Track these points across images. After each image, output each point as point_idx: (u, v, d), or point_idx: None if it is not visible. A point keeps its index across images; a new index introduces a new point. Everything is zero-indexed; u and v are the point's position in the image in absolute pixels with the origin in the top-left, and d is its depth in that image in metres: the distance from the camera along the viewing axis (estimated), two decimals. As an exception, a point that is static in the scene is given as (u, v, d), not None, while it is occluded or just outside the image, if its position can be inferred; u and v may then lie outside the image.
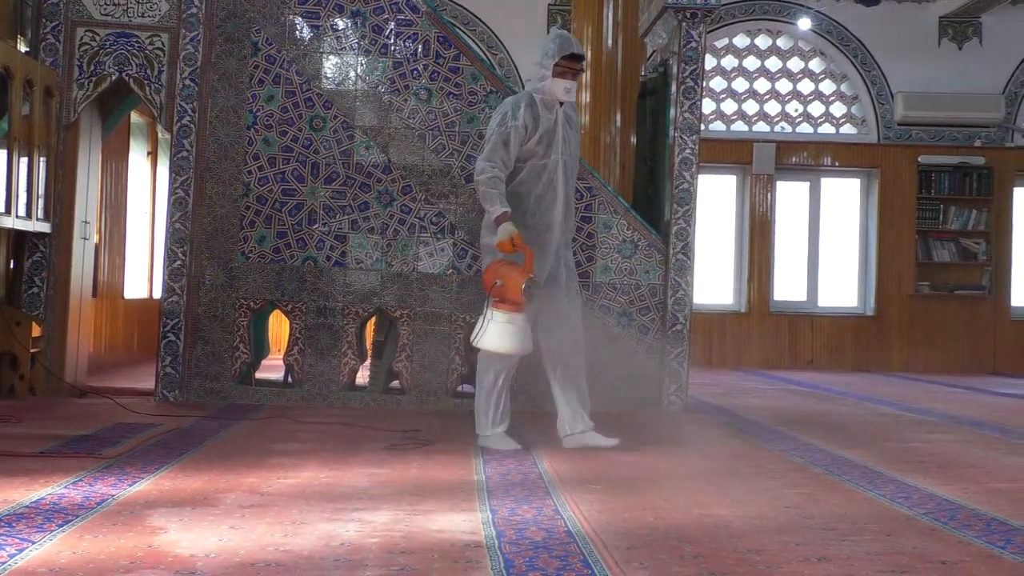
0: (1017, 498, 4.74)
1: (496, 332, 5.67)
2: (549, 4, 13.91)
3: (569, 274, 6.12)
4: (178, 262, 7.48)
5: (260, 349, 7.90)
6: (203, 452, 5.38)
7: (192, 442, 5.67)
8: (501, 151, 5.83)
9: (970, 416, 8.31)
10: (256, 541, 3.51)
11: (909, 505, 4.48)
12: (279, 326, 10.31)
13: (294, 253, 7.54)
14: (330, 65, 7.63)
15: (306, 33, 7.62)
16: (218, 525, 3.72)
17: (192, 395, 7.44)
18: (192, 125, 7.49)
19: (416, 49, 7.66)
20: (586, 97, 10.36)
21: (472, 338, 5.84)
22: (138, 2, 7.53)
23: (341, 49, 7.63)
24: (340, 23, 7.64)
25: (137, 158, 11.10)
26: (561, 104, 5.96)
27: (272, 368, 8.48)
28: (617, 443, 5.83)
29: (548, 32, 13.83)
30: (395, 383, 7.70)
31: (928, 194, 14.10)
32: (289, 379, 7.68)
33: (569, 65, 5.90)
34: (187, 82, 7.49)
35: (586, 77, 10.30)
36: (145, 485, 4.42)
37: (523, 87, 13.48)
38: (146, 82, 7.54)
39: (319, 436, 6.05)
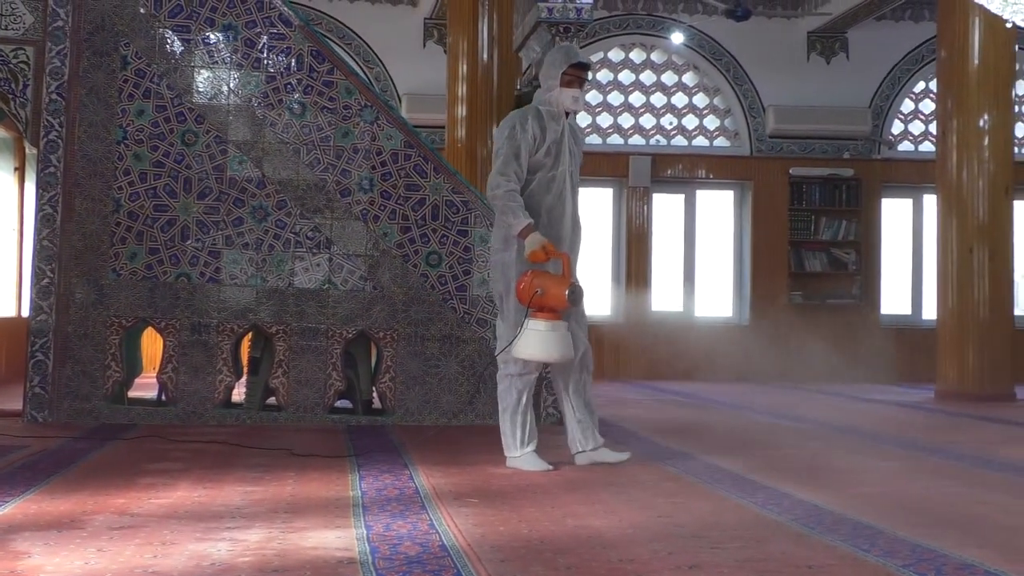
0: (883, 502, 4.86)
1: (540, 341, 5.57)
2: (425, 19, 13.92)
3: None
4: (46, 280, 7.32)
5: (133, 367, 7.77)
6: (72, 473, 5.27)
7: (61, 464, 5.54)
8: (513, 164, 5.74)
9: (841, 423, 8.49)
10: (124, 563, 3.45)
11: (779, 512, 4.56)
12: (153, 344, 10.14)
13: (167, 269, 7.44)
14: (202, 79, 7.54)
15: (177, 47, 7.53)
16: (84, 548, 3.65)
17: (62, 415, 7.29)
18: (60, 140, 7.35)
19: (289, 63, 7.61)
20: (462, 111, 10.41)
21: (512, 350, 5.67)
22: (1, 15, 7.37)
23: (213, 63, 7.55)
24: (211, 37, 7.57)
25: (3, 174, 10.85)
26: (567, 115, 5.94)
27: (146, 387, 8.34)
28: (628, 457, 5.82)
29: (424, 46, 13.88)
30: (272, 400, 7.62)
31: (800, 205, 14.39)
32: (163, 397, 7.57)
33: (576, 74, 5.88)
34: (54, 96, 7.35)
35: (462, 90, 10.35)
36: (9, 509, 4.31)
37: (400, 101, 13.48)
38: (11, 96, 7.38)
39: (193, 455, 5.97)
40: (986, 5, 7.16)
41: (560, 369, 5.85)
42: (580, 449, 5.90)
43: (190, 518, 4.22)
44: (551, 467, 5.68)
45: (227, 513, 4.34)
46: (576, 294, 5.59)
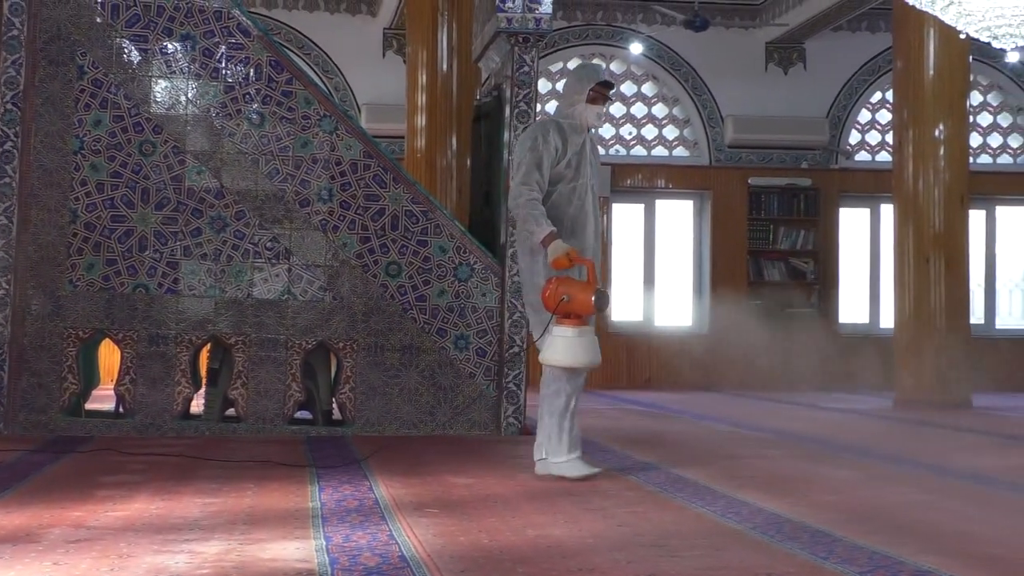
0: (841, 510, 4.88)
1: (567, 347, 5.61)
2: (384, 28, 13.91)
3: None
4: (2, 291, 7.26)
5: (90, 379, 7.70)
6: (28, 487, 5.22)
7: (16, 477, 5.49)
8: (535, 174, 5.79)
9: (800, 431, 8.53)
10: (80, 577, 3.42)
11: (738, 520, 4.58)
12: (110, 355, 10.07)
13: (124, 280, 7.39)
14: (159, 89, 7.50)
15: (134, 56, 7.49)
16: (40, 561, 3.61)
17: (18, 428, 7.22)
18: (15, 151, 7.29)
19: (248, 73, 7.58)
20: (422, 121, 10.41)
21: (539, 357, 5.73)
22: (-44, 24, 7.31)
23: (171, 73, 7.51)
24: (169, 46, 7.53)
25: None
26: (589, 130, 6.02)
27: (103, 399, 8.28)
28: (596, 472, 5.78)
29: (383, 56, 13.86)
30: (231, 411, 7.58)
31: (758, 215, 14.46)
32: (121, 409, 7.51)
33: (601, 91, 5.97)
34: (9, 106, 7.29)
35: (421, 100, 10.35)
36: (-36, 522, 4.27)
37: (360, 111, 13.46)
38: (-34, 106, 7.32)
39: (151, 467, 5.93)
40: (940, 16, 7.23)
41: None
42: (543, 457, 5.90)
43: (147, 530, 4.19)
44: (599, 470, 5.73)
45: (185, 525, 4.31)
46: (602, 300, 5.64)
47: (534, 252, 5.82)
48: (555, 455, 5.78)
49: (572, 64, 14.46)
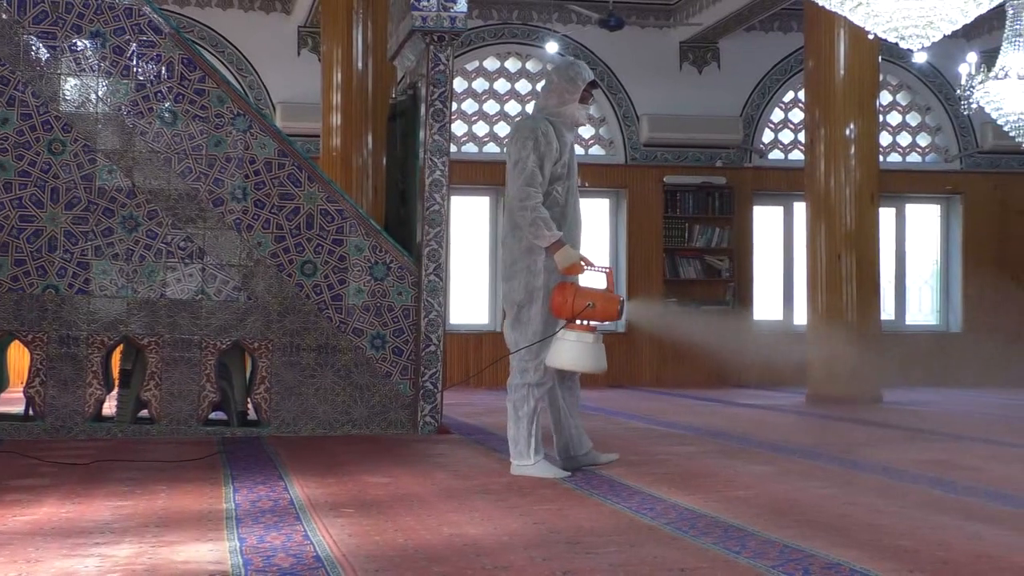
0: (753, 504, 4.94)
1: (588, 352, 5.66)
2: (299, 27, 13.81)
3: None
4: (-93, 293, 7.11)
5: (-1, 382, 7.58)
6: (-66, 492, 5.12)
7: (-78, 482, 5.39)
8: (538, 176, 5.74)
9: (714, 427, 8.61)
10: (-13, 582, 3.37)
11: (653, 516, 4.62)
12: (20, 357, 9.90)
13: (33, 281, 7.27)
14: (69, 87, 7.39)
15: (42, 54, 7.37)
16: (-54, 568, 3.55)
17: (-76, 432, 7.08)
18: (-80, 149, 7.14)
19: (160, 71, 7.49)
20: (337, 119, 10.35)
21: (549, 360, 5.71)
22: None
23: (80, 70, 7.40)
24: (79, 44, 7.42)
25: None
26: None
27: (12, 401, 8.14)
28: (615, 458, 6.00)
29: (298, 54, 13.76)
30: (144, 413, 7.49)
31: (674, 213, 14.56)
32: (31, 412, 7.39)
33: (590, 91, 6.02)
34: (-86, 104, 7.15)
35: (336, 99, 10.30)
36: None
37: (274, 110, 13.36)
38: None
39: (61, 470, 5.84)
40: (849, 17, 7.33)
41: (561, 378, 5.97)
42: (582, 452, 6.03)
43: (57, 534, 4.13)
44: (569, 473, 5.75)
45: (96, 528, 4.25)
46: (624, 309, 5.73)
47: (532, 251, 5.79)
48: (521, 459, 5.81)
49: (487, 63, 14.47)
